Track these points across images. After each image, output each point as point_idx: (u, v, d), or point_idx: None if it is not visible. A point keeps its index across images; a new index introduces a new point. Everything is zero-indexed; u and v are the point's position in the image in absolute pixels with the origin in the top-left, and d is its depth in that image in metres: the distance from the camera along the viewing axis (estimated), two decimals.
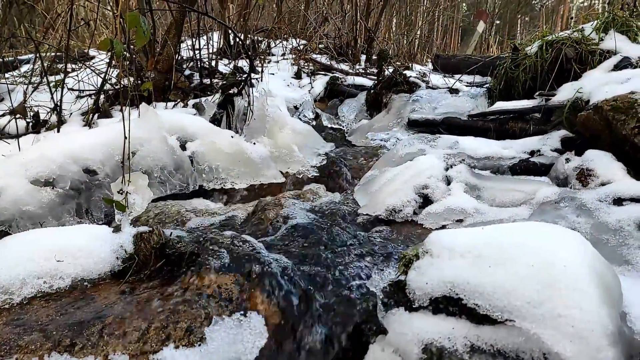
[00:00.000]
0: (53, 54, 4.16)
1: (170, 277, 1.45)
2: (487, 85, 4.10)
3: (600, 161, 2.26)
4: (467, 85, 4.66)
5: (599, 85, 2.74)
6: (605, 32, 3.35)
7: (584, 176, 2.24)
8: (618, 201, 1.91)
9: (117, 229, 1.60)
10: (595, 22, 3.48)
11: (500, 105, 3.41)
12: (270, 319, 1.32)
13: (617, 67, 3.02)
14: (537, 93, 3.31)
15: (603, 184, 2.13)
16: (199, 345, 1.20)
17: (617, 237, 1.67)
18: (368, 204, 2.42)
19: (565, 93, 3.02)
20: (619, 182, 2.07)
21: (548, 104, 3.09)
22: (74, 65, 4.55)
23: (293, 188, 2.80)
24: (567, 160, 2.39)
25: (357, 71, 5.99)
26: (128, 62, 3.39)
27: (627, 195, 1.92)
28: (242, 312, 1.31)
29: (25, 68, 4.55)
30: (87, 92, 3.84)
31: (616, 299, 1.17)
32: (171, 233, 1.61)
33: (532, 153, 2.78)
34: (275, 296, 1.37)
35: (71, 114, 3.48)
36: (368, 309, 1.37)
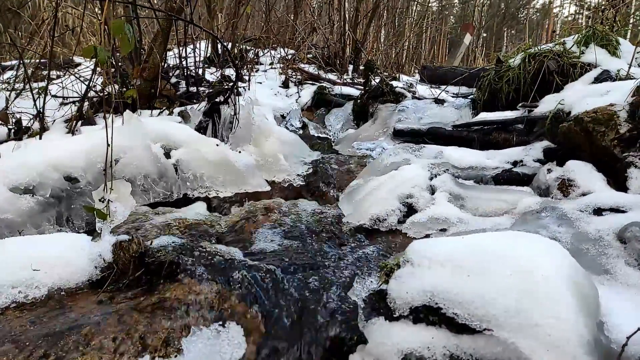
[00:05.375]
0: (37, 60, 4.12)
1: (149, 286, 1.43)
2: (472, 96, 4.14)
3: (581, 172, 2.29)
4: (452, 96, 4.71)
5: (580, 97, 2.79)
6: (586, 46, 3.42)
7: (565, 186, 2.26)
8: (598, 211, 1.94)
9: (96, 238, 1.57)
10: (576, 35, 3.55)
11: (484, 116, 3.45)
12: (249, 329, 1.31)
13: (598, 79, 3.08)
14: (520, 104, 3.36)
15: (584, 194, 2.15)
16: (176, 356, 1.18)
17: (596, 247, 1.68)
18: (352, 213, 2.42)
19: (547, 105, 3.06)
20: (599, 193, 2.10)
21: (531, 115, 3.14)
22: (58, 72, 4.51)
23: (278, 197, 2.79)
24: (549, 170, 2.42)
25: (345, 81, 6.03)
26: (113, 70, 3.37)
27: (606, 206, 1.94)
28: (220, 323, 1.29)
29: (8, 74, 4.49)
30: (71, 99, 3.80)
31: (593, 309, 1.18)
32: (151, 242, 1.59)
33: (515, 163, 2.81)
34: (255, 306, 1.36)
35: (54, 121, 3.44)
36: (349, 319, 1.37)
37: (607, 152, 2.27)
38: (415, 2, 11.72)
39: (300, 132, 4.36)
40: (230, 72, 5.32)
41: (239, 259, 1.59)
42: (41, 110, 3.06)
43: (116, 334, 1.21)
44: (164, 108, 3.69)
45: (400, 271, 1.32)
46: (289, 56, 6.75)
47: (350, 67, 7.04)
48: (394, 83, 5.01)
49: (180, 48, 4.47)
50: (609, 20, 4.16)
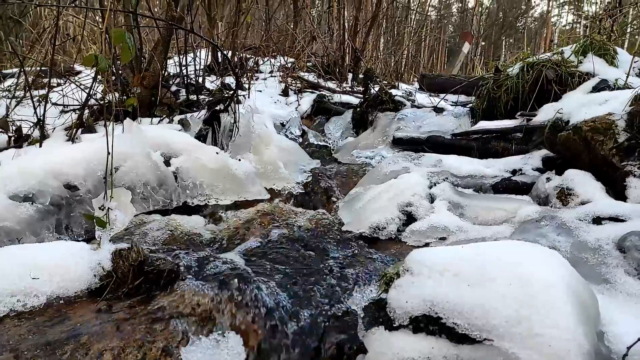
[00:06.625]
0: (38, 68, 4.13)
1: (148, 295, 1.43)
2: (471, 104, 4.16)
3: (580, 181, 2.30)
4: (451, 105, 4.73)
5: (578, 106, 2.81)
6: (584, 55, 3.44)
7: (564, 195, 2.27)
8: (597, 220, 1.94)
9: (95, 246, 1.57)
10: (574, 45, 3.58)
11: (483, 124, 3.46)
12: (249, 339, 1.30)
13: (596, 88, 3.10)
14: (518, 113, 3.37)
15: (583, 203, 2.16)
16: None
17: (596, 256, 1.69)
18: (352, 222, 2.42)
19: (545, 113, 3.08)
20: (598, 202, 2.10)
21: (529, 124, 3.15)
22: (59, 80, 4.52)
23: (277, 205, 2.79)
24: (548, 179, 2.43)
25: (344, 89, 6.05)
26: (114, 78, 3.38)
27: (605, 215, 1.95)
28: (220, 332, 1.29)
29: (9, 82, 4.51)
30: (72, 107, 3.81)
31: (593, 318, 1.18)
32: (150, 250, 1.59)
33: (514, 172, 2.82)
34: (255, 316, 1.35)
35: (54, 128, 3.45)
36: (349, 328, 1.36)
37: (606, 161, 2.27)
38: (414, 11, 11.81)
39: (300, 140, 4.37)
40: (230, 80, 5.34)
41: (238, 268, 1.59)
42: (41, 118, 3.07)
43: (115, 343, 1.21)
44: (164, 116, 3.69)
45: (399, 280, 1.31)
46: (289, 64, 6.78)
47: (350, 76, 7.06)
48: (393, 91, 5.04)
49: (181, 56, 4.49)
50: (607, 29, 4.20)
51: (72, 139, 3.21)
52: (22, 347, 1.17)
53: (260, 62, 6.83)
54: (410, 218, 2.33)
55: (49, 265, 1.47)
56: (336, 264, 1.87)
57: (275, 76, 6.31)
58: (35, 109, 3.14)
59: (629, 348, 1.11)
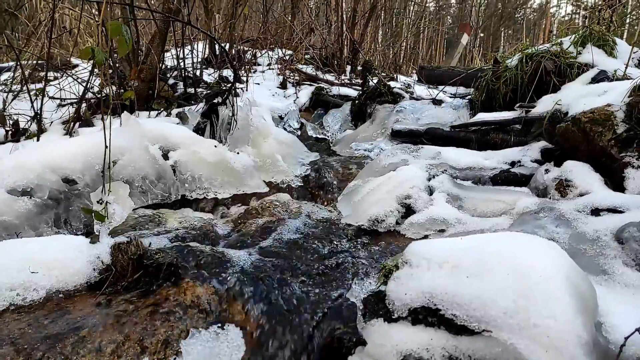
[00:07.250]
0: (34, 62, 4.11)
1: (147, 288, 1.43)
2: (469, 96, 4.15)
3: (579, 172, 2.30)
4: (450, 97, 4.72)
5: (577, 97, 2.80)
6: (583, 46, 3.43)
7: (563, 187, 2.27)
8: (595, 212, 1.94)
9: (94, 240, 1.57)
10: (573, 36, 3.56)
11: (482, 116, 3.46)
12: (248, 331, 1.31)
13: (595, 80, 3.09)
14: (517, 105, 3.36)
15: (581, 195, 2.16)
16: (175, 359, 1.18)
17: (594, 247, 1.69)
18: (351, 214, 2.42)
19: (544, 105, 3.07)
20: (596, 193, 2.11)
21: (528, 116, 3.14)
22: (56, 74, 4.50)
23: (276, 198, 2.79)
24: (547, 171, 2.43)
25: (342, 82, 6.03)
26: (111, 71, 3.36)
27: (604, 206, 1.95)
28: (219, 325, 1.29)
29: (5, 76, 4.48)
30: (69, 101, 3.79)
31: (591, 309, 1.19)
32: (150, 244, 1.59)
33: (512, 164, 2.82)
34: (254, 308, 1.36)
35: (52, 122, 3.43)
36: (348, 320, 1.37)
37: (605, 152, 2.27)
38: (413, 2, 11.75)
39: (298, 133, 4.36)
40: (228, 73, 5.32)
41: (237, 261, 1.59)
42: (39, 111, 3.05)
43: (115, 337, 1.21)
44: (162, 109, 3.68)
45: (398, 272, 1.31)
46: (287, 57, 6.75)
47: (348, 68, 7.04)
48: (392, 83, 5.03)
49: (178, 49, 4.47)
50: (606, 20, 4.18)
51: (69, 132, 3.20)
52: (22, 341, 1.17)
53: (258, 54, 6.80)
54: (409, 210, 2.33)
55: (48, 259, 1.47)
56: (335, 257, 1.87)
57: (273, 69, 6.29)
58: (32, 102, 3.12)
59: (626, 338, 1.11)
